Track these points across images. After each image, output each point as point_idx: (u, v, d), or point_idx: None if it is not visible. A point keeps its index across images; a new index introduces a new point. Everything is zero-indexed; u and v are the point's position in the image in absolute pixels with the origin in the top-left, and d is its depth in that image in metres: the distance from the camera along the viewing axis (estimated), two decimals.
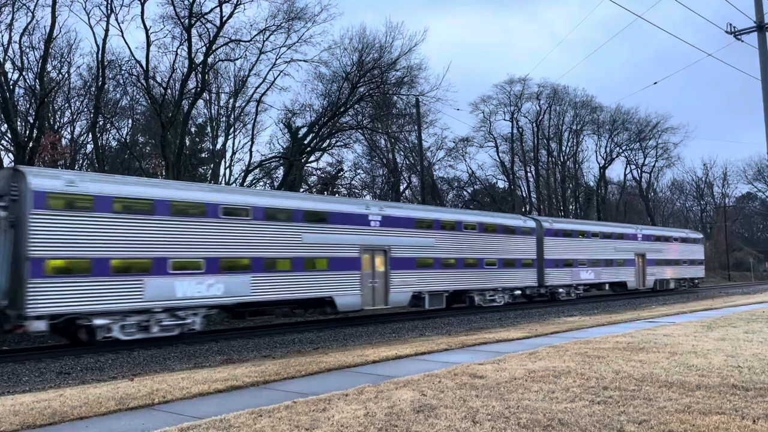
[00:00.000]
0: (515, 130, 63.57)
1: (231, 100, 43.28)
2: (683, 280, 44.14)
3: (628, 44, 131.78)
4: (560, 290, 32.35)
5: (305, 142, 40.95)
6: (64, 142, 36.84)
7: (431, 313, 26.16)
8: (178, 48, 34.92)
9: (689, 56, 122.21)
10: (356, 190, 53.55)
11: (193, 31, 33.18)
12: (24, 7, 31.54)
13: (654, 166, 77.23)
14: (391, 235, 23.34)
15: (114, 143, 44.88)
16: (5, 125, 31.35)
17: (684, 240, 44.74)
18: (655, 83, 79.62)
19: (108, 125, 41.27)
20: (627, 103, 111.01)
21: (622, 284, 37.25)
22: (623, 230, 38.65)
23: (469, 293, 27.16)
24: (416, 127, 45.23)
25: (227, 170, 45.06)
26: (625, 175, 76.87)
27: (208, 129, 46.80)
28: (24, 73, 33.73)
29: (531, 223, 31.06)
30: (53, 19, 30.45)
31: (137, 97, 41.80)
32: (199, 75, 34.48)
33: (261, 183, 44.71)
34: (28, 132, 31.86)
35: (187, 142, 41.39)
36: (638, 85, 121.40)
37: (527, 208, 64.32)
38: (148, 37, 32.78)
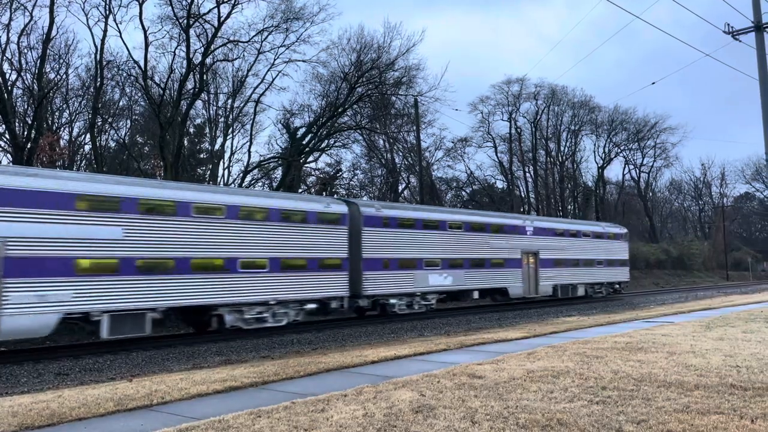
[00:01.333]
0: (513, 131, 63.75)
1: (229, 101, 43.38)
2: (598, 286, 35.62)
3: (617, 45, 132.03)
4: (393, 301, 23.82)
5: (304, 142, 40.97)
6: (62, 143, 36.80)
7: (430, 314, 26.08)
8: (176, 48, 34.99)
9: (680, 56, 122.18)
10: (355, 191, 53.60)
11: (192, 32, 33.24)
12: (22, 7, 31.58)
13: (652, 166, 77.64)
14: (4, 218, 14.43)
15: (112, 144, 44.89)
16: (3, 126, 31.34)
17: (599, 235, 36.05)
18: (653, 83, 79.79)
19: (106, 126, 41.28)
20: (624, 104, 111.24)
21: (501, 291, 29.00)
22: (503, 221, 30.02)
23: (214, 310, 18.54)
24: (415, 128, 45.29)
25: (226, 171, 45.16)
26: (624, 175, 77.21)
27: (207, 129, 46.84)
28: (22, 73, 33.78)
29: (340, 208, 22.35)
30: (51, 19, 30.48)
31: (136, 97, 41.88)
32: (198, 75, 34.51)
33: (260, 183, 44.77)
34: (26, 133, 31.85)
35: (186, 143, 41.43)
36: (630, 86, 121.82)
37: (526, 208, 64.37)
38: (146, 37, 32.84)
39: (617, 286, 37.92)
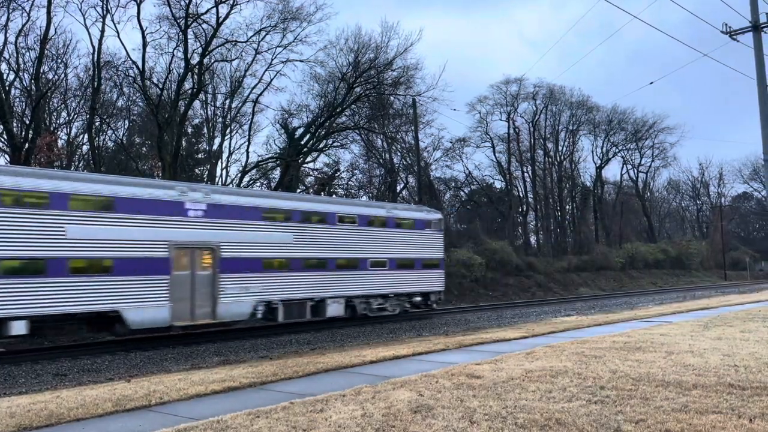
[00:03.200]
0: (512, 131, 63.70)
1: (227, 101, 43.29)
2: (380, 300, 23.36)
3: (598, 44, 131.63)
4: None
5: (302, 142, 40.95)
6: (60, 143, 36.78)
7: (429, 314, 26.06)
8: (174, 49, 34.93)
9: (666, 56, 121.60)
10: (353, 191, 53.56)
11: (190, 32, 33.25)
12: (19, 8, 31.54)
13: (650, 165, 77.60)
14: None
15: (111, 144, 44.84)
16: (1, 126, 31.30)
17: (377, 222, 23.58)
18: (651, 83, 79.81)
19: (104, 126, 41.23)
20: (620, 104, 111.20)
21: (111, 317, 16.49)
22: (111, 189, 16.69)
23: None
24: (413, 128, 45.26)
25: (224, 171, 45.09)
26: (622, 175, 77.15)
27: (205, 130, 46.78)
28: (20, 74, 33.75)
29: None
30: (48, 19, 30.49)
31: (134, 98, 41.82)
32: (196, 76, 34.48)
33: (258, 184, 44.73)
34: (24, 133, 31.81)
35: (184, 143, 41.37)
36: (613, 86, 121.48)
37: (524, 209, 64.34)
38: (144, 38, 32.85)
39: (420, 299, 25.11)
